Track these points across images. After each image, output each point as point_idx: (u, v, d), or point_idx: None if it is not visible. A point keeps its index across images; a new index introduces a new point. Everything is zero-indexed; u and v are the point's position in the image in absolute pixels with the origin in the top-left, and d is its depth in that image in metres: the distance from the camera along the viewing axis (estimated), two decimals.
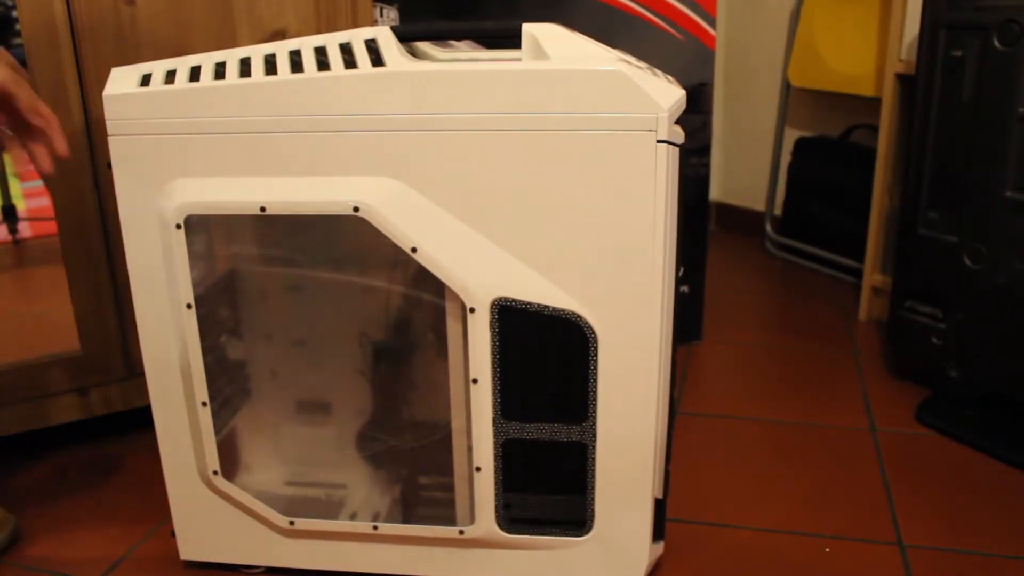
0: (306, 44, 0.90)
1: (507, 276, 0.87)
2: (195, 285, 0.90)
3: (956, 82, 1.34)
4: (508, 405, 0.91)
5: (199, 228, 0.90)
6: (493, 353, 0.89)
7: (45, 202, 1.26)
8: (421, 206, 0.86)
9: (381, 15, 1.53)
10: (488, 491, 0.94)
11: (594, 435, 0.92)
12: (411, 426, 1.00)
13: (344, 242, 0.94)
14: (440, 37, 0.99)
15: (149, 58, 1.16)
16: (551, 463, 0.94)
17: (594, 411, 0.91)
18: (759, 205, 2.41)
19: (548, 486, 0.95)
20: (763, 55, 2.32)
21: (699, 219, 1.67)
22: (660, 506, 0.97)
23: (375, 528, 0.98)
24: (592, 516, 0.95)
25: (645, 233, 0.85)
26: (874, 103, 1.83)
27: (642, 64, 0.89)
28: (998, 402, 1.39)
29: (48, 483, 1.09)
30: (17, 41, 1.15)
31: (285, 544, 1.02)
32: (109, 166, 0.90)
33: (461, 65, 0.83)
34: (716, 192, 2.55)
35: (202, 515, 1.01)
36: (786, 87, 2.25)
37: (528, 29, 0.88)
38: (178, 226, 0.88)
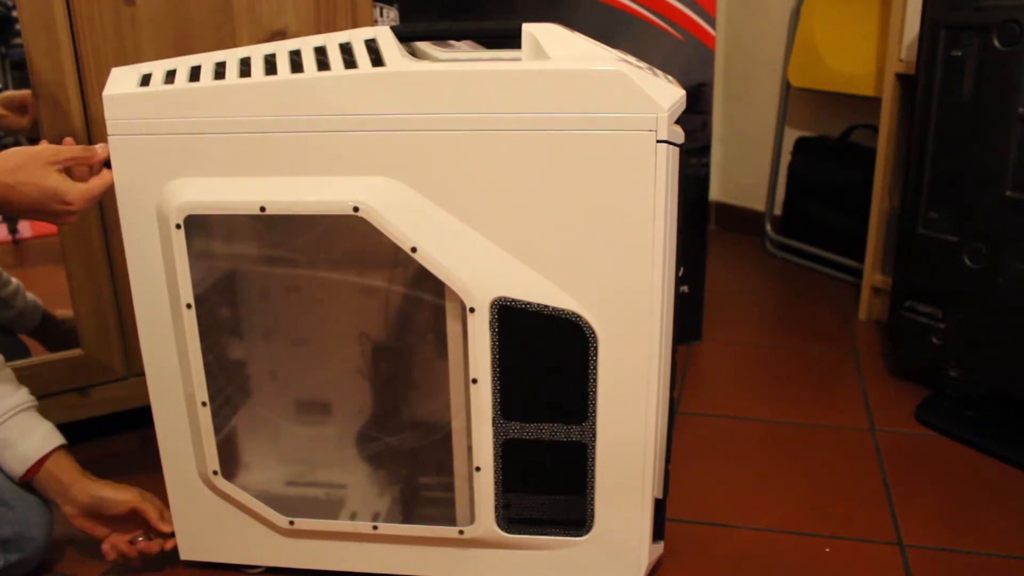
0: (306, 44, 0.90)
1: (507, 276, 0.87)
2: (195, 285, 0.90)
3: (956, 82, 1.34)
4: (508, 405, 0.91)
5: (199, 228, 0.90)
6: (493, 353, 0.89)
7: None
8: (421, 206, 0.86)
9: (381, 15, 1.53)
10: (488, 491, 0.94)
11: (594, 435, 0.92)
12: (411, 426, 1.00)
13: (344, 242, 0.94)
14: (440, 37, 0.99)
15: (149, 58, 1.15)
16: (551, 463, 0.94)
17: (594, 411, 0.91)
18: (759, 205, 2.41)
19: (548, 486, 0.95)
20: (763, 55, 2.31)
21: (699, 219, 1.67)
22: (660, 506, 0.97)
23: (375, 528, 0.98)
24: (592, 516, 0.95)
25: (645, 233, 0.85)
26: (874, 103, 1.82)
27: (642, 64, 0.89)
28: (998, 402, 1.39)
29: None
30: (17, 41, 1.15)
31: (285, 544, 1.02)
32: (108, 165, 0.90)
33: (461, 65, 0.83)
34: (716, 192, 2.55)
35: (202, 515, 1.01)
36: (786, 87, 2.25)
37: (528, 29, 0.88)
38: (178, 226, 0.88)
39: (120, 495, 0.99)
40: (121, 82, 0.87)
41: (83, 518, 0.99)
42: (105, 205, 1.20)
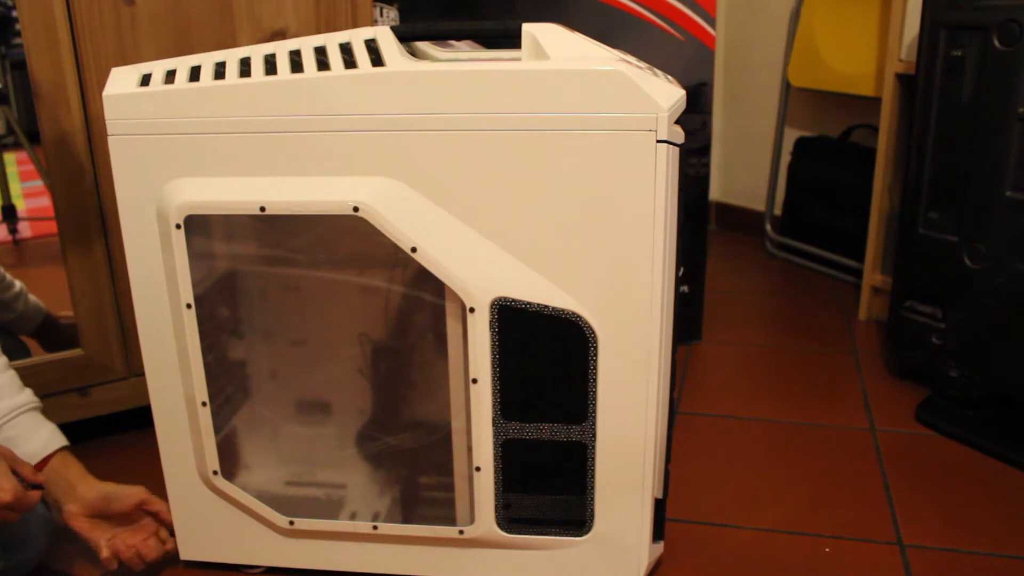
0: (306, 44, 0.90)
1: (507, 276, 0.87)
2: (195, 285, 0.90)
3: (956, 82, 1.34)
4: (508, 405, 0.91)
5: (199, 228, 0.90)
6: (493, 353, 0.89)
7: (45, 202, 1.26)
8: (421, 206, 0.86)
9: (381, 15, 1.53)
10: (488, 491, 0.94)
11: (594, 435, 0.92)
12: (411, 426, 1.00)
13: (344, 242, 0.94)
14: (440, 37, 0.99)
15: (149, 58, 1.16)
16: (551, 463, 0.94)
17: (593, 411, 0.91)
18: (759, 205, 2.41)
19: (547, 486, 0.95)
20: (763, 55, 2.31)
21: (699, 219, 1.67)
22: (660, 506, 0.97)
23: (375, 528, 0.98)
24: (591, 516, 0.95)
25: (645, 233, 0.85)
26: (874, 103, 1.82)
27: (642, 64, 0.89)
28: (998, 402, 1.39)
29: None
30: (17, 41, 1.15)
31: (285, 544, 1.02)
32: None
33: (461, 65, 0.83)
34: (716, 192, 2.55)
35: (202, 515, 1.01)
36: (786, 87, 2.25)
37: (528, 29, 0.88)
38: (178, 226, 0.88)
39: (128, 489, 1.00)
40: (121, 82, 0.87)
41: (84, 518, 0.99)
42: (105, 205, 1.20)
